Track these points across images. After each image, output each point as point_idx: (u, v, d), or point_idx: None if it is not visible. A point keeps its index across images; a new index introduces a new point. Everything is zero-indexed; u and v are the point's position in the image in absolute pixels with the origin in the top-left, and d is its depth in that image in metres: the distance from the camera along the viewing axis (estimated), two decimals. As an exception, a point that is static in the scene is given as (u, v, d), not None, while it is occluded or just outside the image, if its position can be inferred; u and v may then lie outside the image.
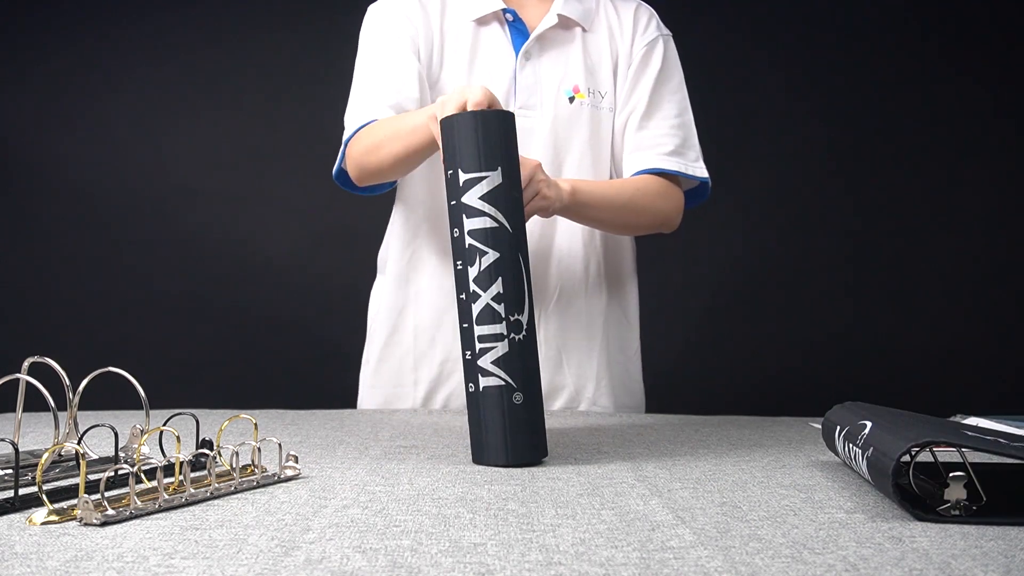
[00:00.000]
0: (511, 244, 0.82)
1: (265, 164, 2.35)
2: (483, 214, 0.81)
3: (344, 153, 1.20)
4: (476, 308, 0.81)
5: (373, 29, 1.23)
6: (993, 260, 2.39)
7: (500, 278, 0.81)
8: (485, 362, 0.80)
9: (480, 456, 0.81)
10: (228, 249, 2.34)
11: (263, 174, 2.35)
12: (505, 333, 0.80)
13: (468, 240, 0.81)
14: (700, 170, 1.25)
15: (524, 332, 0.81)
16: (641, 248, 1.34)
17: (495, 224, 0.81)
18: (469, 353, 0.82)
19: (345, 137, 1.19)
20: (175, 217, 2.34)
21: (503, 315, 0.80)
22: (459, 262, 0.82)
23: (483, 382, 0.81)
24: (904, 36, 2.38)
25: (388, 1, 1.23)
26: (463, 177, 0.81)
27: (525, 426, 0.81)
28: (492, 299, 0.80)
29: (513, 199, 0.83)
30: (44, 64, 2.34)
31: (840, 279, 2.42)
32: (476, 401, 0.81)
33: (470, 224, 0.81)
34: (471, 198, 0.81)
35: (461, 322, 0.83)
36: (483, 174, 0.81)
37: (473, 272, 0.81)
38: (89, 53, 2.34)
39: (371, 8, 1.25)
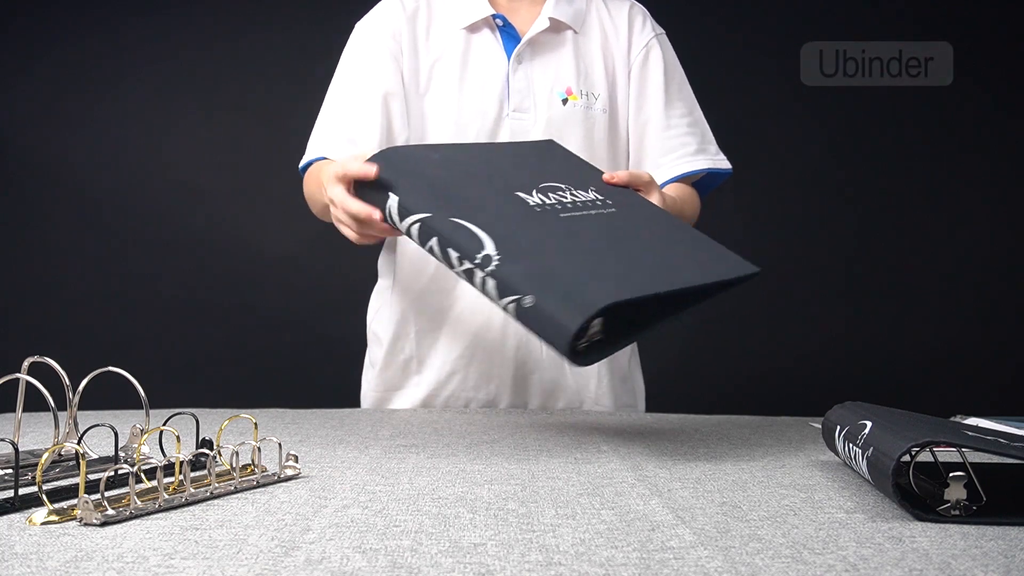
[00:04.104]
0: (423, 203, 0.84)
1: (265, 164, 2.35)
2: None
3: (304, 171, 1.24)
4: (457, 274, 0.81)
5: (353, 54, 1.23)
6: (993, 260, 2.39)
7: (435, 238, 0.82)
8: (495, 298, 0.78)
9: (562, 340, 0.75)
10: (228, 249, 2.34)
11: (263, 174, 2.35)
12: (478, 272, 0.79)
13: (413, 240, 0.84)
14: (724, 161, 1.28)
15: (497, 258, 0.79)
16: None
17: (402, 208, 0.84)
18: (501, 303, 0.79)
19: (303, 162, 1.22)
20: (175, 217, 2.34)
21: (462, 263, 0.79)
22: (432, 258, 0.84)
23: (509, 310, 0.78)
24: (905, 35, 2.38)
25: (374, 19, 1.23)
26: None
27: (557, 306, 0.75)
28: (446, 259, 0.81)
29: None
30: (44, 63, 2.34)
31: (840, 279, 2.42)
32: (524, 320, 0.78)
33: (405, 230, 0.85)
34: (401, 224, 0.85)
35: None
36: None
37: (432, 249, 0.82)
38: (89, 53, 2.34)
39: (358, 25, 1.25)
